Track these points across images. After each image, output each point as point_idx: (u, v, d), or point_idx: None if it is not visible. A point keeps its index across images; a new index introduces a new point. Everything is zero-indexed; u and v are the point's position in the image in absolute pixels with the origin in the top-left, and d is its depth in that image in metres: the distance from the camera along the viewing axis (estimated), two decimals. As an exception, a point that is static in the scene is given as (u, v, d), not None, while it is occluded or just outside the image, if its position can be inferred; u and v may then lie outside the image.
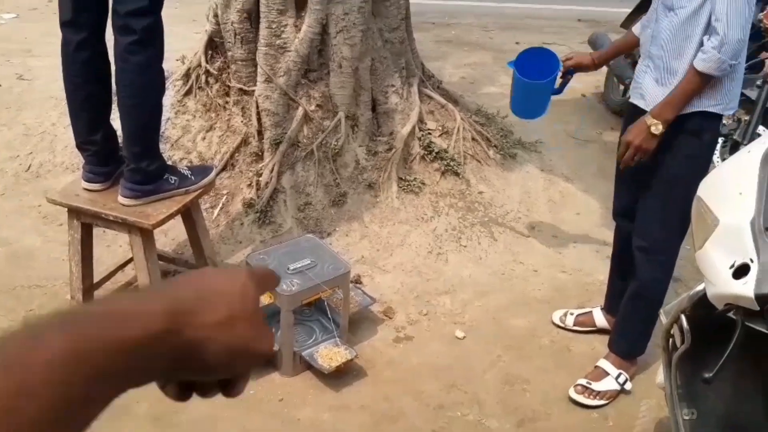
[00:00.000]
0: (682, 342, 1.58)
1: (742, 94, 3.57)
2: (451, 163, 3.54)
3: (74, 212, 2.51)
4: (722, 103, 2.19)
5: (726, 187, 1.48)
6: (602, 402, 2.45)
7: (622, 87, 4.82)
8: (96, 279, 2.72)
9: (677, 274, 3.22)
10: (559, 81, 2.66)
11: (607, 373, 2.49)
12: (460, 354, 2.66)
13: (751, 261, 1.30)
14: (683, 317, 1.59)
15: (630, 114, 2.39)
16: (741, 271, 1.31)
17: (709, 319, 1.45)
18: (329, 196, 3.33)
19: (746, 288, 1.29)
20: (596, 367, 2.53)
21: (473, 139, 3.72)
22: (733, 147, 3.65)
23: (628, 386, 2.50)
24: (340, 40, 3.29)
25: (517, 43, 6.36)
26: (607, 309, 2.76)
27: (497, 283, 3.08)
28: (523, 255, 3.27)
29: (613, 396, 2.47)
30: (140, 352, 0.48)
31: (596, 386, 2.47)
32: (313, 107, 3.35)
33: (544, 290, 3.05)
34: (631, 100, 2.39)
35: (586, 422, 2.37)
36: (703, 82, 2.11)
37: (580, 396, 2.46)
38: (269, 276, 0.63)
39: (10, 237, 3.20)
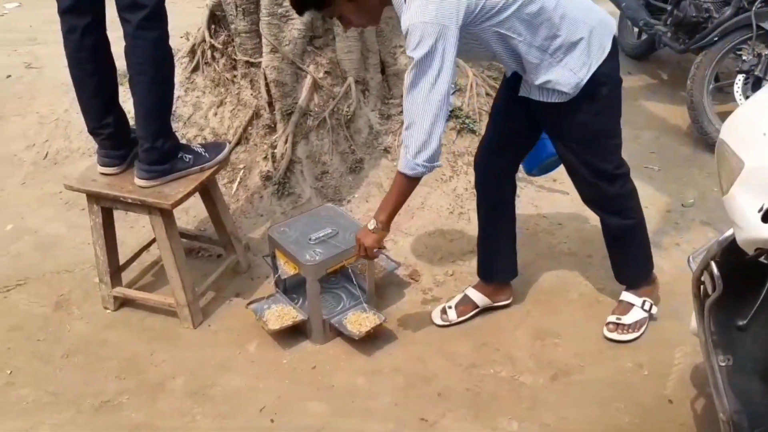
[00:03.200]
0: (714, 289, 1.55)
1: (760, 27, 3.45)
2: (467, 121, 3.49)
3: (93, 197, 2.53)
4: (587, 61, 2.05)
5: (749, 128, 1.42)
6: (636, 334, 2.48)
7: (636, 30, 4.70)
8: (122, 261, 2.76)
9: (706, 218, 3.17)
10: None
11: (632, 305, 2.53)
12: (489, 312, 2.66)
13: (781, 203, 1.26)
14: (713, 264, 1.55)
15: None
16: (771, 214, 1.27)
17: (741, 265, 1.41)
18: (346, 164, 3.31)
19: (777, 231, 1.25)
20: (620, 301, 2.56)
21: (487, 94, 3.65)
22: (756, 83, 3.55)
23: (654, 311, 2.54)
24: (344, 3, 3.22)
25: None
26: (483, 276, 2.64)
27: (522, 239, 3.03)
28: (547, 209, 3.24)
29: (644, 324, 2.50)
30: None
31: (626, 319, 2.50)
32: (321, 74, 3.30)
33: (570, 243, 3.02)
34: None
35: (620, 372, 2.36)
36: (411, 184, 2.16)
37: (614, 333, 2.49)
38: None
39: (35, 225, 3.24)
